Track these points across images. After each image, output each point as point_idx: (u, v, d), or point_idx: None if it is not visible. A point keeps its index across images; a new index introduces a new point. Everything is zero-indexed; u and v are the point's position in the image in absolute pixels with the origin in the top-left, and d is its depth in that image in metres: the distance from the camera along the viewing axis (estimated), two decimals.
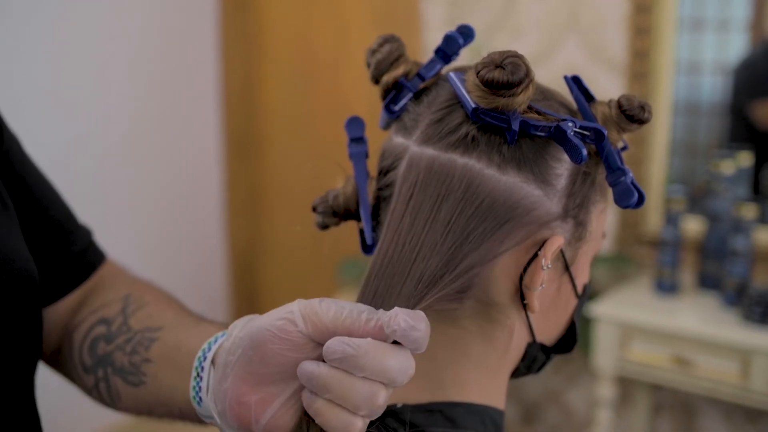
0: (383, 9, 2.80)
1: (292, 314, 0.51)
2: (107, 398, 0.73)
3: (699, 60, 2.29)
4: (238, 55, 3.14)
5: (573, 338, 0.69)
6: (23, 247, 0.70)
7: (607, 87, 2.31)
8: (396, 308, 0.51)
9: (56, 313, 0.77)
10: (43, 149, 2.48)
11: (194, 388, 0.59)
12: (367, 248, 0.65)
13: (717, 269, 2.03)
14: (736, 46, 2.28)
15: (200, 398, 0.59)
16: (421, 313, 0.50)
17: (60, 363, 0.79)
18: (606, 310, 2.00)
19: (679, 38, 2.28)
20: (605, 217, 0.68)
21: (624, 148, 0.67)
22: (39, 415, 0.73)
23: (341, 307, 0.51)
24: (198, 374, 0.59)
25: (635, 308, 2.00)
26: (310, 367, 0.51)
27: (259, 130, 3.22)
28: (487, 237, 0.57)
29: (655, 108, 2.22)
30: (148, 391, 0.68)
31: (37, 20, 2.48)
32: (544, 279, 0.60)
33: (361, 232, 0.66)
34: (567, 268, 0.64)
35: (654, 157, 2.27)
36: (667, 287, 2.06)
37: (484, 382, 0.65)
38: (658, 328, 1.92)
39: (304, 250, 3.12)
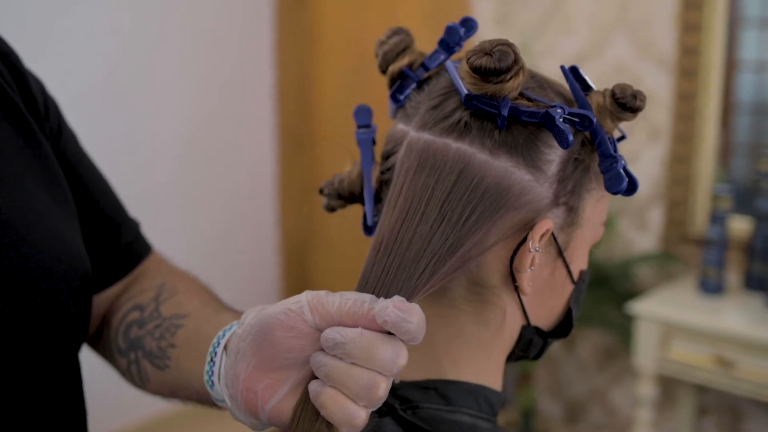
0: (435, 6, 2.82)
1: (300, 304, 0.54)
2: (138, 380, 0.77)
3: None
4: (293, 52, 3.20)
5: (569, 324, 0.70)
6: (80, 242, 0.74)
7: (656, 84, 2.28)
8: (387, 300, 0.52)
9: (101, 299, 0.82)
10: (107, 148, 2.59)
11: (207, 372, 0.62)
12: (367, 229, 0.68)
13: (764, 270, 2.00)
14: None
15: (212, 382, 0.61)
16: (416, 306, 0.52)
17: (99, 345, 0.84)
18: (647, 308, 1.98)
19: (746, 37, 2.23)
20: (605, 206, 0.69)
21: (622, 138, 0.69)
22: (84, 394, 0.77)
23: (346, 298, 0.53)
24: (212, 359, 0.61)
25: (677, 307, 1.98)
26: (317, 354, 0.53)
27: (313, 127, 3.27)
28: (480, 220, 0.58)
29: (704, 106, 2.19)
30: (171, 375, 0.71)
31: (100, 20, 2.57)
32: (535, 262, 0.62)
33: (365, 215, 0.69)
34: (560, 253, 0.65)
35: (701, 156, 2.24)
36: (711, 287, 2.03)
37: (478, 361, 0.66)
38: (700, 327, 1.89)
39: (356, 244, 3.15)
